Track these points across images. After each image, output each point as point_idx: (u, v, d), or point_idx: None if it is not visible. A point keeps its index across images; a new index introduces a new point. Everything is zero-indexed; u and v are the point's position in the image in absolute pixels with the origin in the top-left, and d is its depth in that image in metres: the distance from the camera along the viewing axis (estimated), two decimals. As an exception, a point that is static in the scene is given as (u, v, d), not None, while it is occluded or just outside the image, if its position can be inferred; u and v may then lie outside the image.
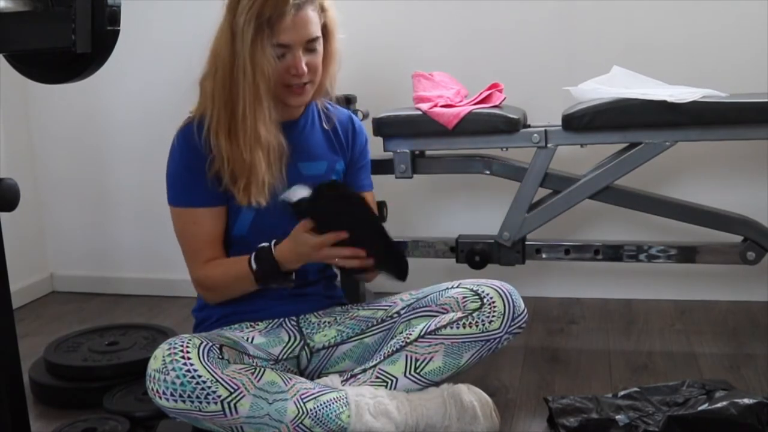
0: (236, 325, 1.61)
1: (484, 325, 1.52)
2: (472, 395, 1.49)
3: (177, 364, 1.37)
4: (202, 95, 1.56)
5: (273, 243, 1.51)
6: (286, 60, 1.51)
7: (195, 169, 1.54)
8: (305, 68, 1.51)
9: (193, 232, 1.58)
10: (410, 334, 1.55)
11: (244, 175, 1.52)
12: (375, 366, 1.53)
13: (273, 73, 1.49)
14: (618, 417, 1.50)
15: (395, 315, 1.64)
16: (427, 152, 2.12)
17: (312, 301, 1.67)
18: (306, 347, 1.62)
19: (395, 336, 1.59)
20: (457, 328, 1.52)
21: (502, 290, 1.56)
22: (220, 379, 1.37)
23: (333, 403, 1.43)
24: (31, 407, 1.75)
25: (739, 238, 1.99)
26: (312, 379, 1.53)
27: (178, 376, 1.36)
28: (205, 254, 1.58)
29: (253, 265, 1.51)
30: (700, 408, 1.48)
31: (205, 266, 1.58)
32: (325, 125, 1.66)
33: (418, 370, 1.51)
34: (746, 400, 1.46)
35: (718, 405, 1.47)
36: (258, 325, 1.62)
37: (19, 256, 2.49)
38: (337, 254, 1.46)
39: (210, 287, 1.59)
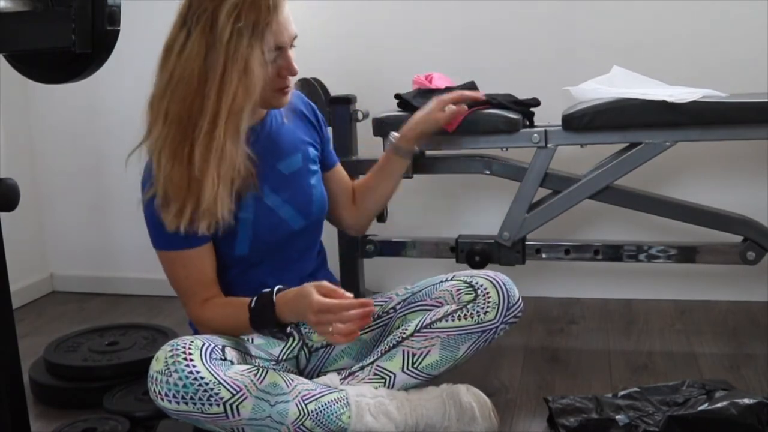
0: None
1: (479, 316, 1.52)
2: (470, 396, 1.49)
3: (179, 365, 1.37)
4: (152, 115, 1.48)
5: (276, 290, 1.43)
6: (278, 62, 1.47)
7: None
8: (296, 66, 1.49)
9: (182, 274, 1.53)
10: (406, 329, 1.55)
11: (182, 198, 1.43)
12: (372, 363, 1.53)
13: (267, 80, 1.45)
14: (618, 417, 1.50)
15: (391, 311, 1.64)
16: (427, 152, 2.12)
17: None
18: (305, 347, 1.62)
19: (392, 332, 1.59)
20: (453, 320, 1.52)
21: (496, 280, 1.56)
22: (222, 381, 1.37)
23: (334, 404, 1.43)
24: (31, 407, 1.75)
25: (739, 238, 1.99)
26: (311, 378, 1.53)
27: (180, 378, 1.36)
28: (199, 295, 1.53)
29: (252, 303, 1.45)
30: (700, 408, 1.48)
31: (203, 308, 1.53)
32: (286, 117, 1.62)
33: (415, 365, 1.51)
34: (746, 400, 1.46)
35: (718, 405, 1.47)
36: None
37: (19, 256, 2.49)
38: (336, 320, 1.35)
39: (207, 328, 1.54)
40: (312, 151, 1.66)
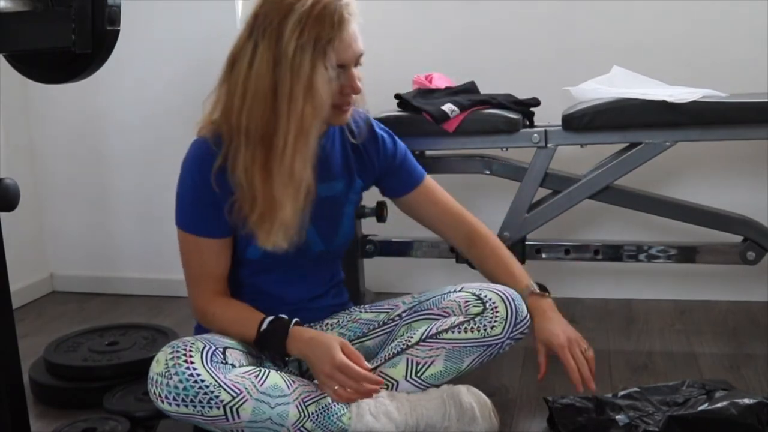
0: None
1: (485, 330, 1.51)
2: (471, 397, 1.49)
3: (180, 368, 1.37)
4: (230, 126, 1.45)
5: (294, 321, 1.45)
6: (340, 80, 1.45)
7: (207, 199, 1.48)
8: (360, 84, 1.48)
9: (198, 260, 1.53)
10: (411, 338, 1.54)
11: (271, 216, 1.44)
12: (376, 368, 1.52)
13: (331, 97, 1.43)
14: (618, 417, 1.50)
15: (396, 318, 1.63)
16: (427, 152, 2.12)
17: (321, 311, 1.66)
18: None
19: (396, 338, 1.58)
20: (459, 332, 1.51)
21: (505, 295, 1.54)
22: (222, 384, 1.37)
23: (334, 406, 1.42)
24: (31, 407, 1.74)
25: (739, 238, 1.99)
26: (313, 380, 1.53)
27: (180, 381, 1.36)
28: (209, 286, 1.53)
29: (263, 326, 1.45)
30: (700, 408, 1.48)
31: (212, 302, 1.53)
32: (351, 139, 1.60)
33: (418, 374, 1.51)
34: (746, 400, 1.46)
35: (718, 405, 1.47)
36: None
37: (19, 256, 2.49)
38: (348, 385, 1.39)
39: (210, 323, 1.54)
40: (359, 182, 1.63)
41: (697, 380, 1.63)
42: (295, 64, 1.38)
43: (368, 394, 1.42)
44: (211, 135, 1.49)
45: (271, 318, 1.47)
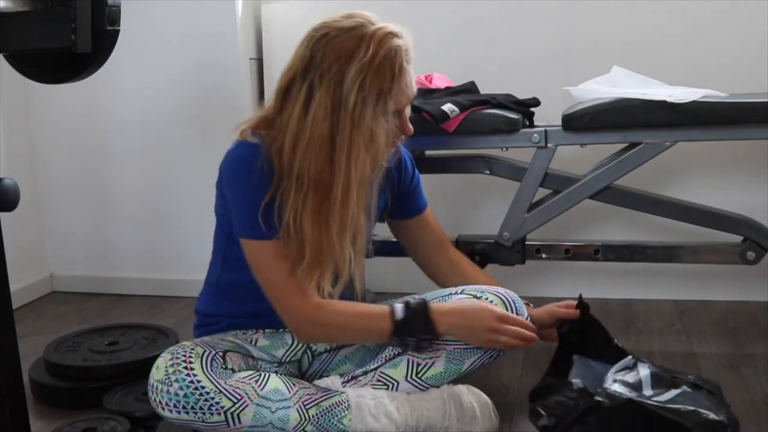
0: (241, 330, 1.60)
1: None
2: (471, 396, 1.49)
3: (180, 375, 1.37)
4: (282, 163, 1.41)
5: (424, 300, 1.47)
6: (394, 123, 1.45)
7: (265, 198, 1.42)
8: (411, 127, 1.49)
9: (282, 265, 1.43)
10: None
11: (320, 263, 1.41)
12: (376, 369, 1.52)
13: (387, 144, 1.43)
14: (575, 381, 1.46)
15: None
16: (427, 152, 2.12)
17: None
18: (308, 350, 1.61)
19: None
20: None
21: (506, 298, 1.55)
22: (223, 390, 1.37)
23: (335, 408, 1.43)
24: (31, 407, 1.75)
25: (739, 238, 1.99)
26: (312, 381, 1.53)
27: (181, 388, 1.36)
28: (300, 285, 1.43)
29: (399, 313, 1.43)
30: (660, 401, 1.43)
31: (320, 306, 1.44)
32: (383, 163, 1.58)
33: (419, 375, 1.51)
34: (710, 415, 1.39)
35: (679, 408, 1.40)
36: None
37: (19, 256, 2.49)
38: (514, 334, 1.46)
39: (326, 323, 1.46)
40: (383, 201, 1.63)
41: (698, 376, 1.61)
42: (356, 116, 1.37)
43: (532, 340, 1.47)
44: (259, 140, 1.45)
45: (400, 305, 1.46)
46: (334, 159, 1.39)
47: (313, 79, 1.39)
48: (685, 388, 1.49)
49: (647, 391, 1.49)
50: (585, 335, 1.64)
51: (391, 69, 1.39)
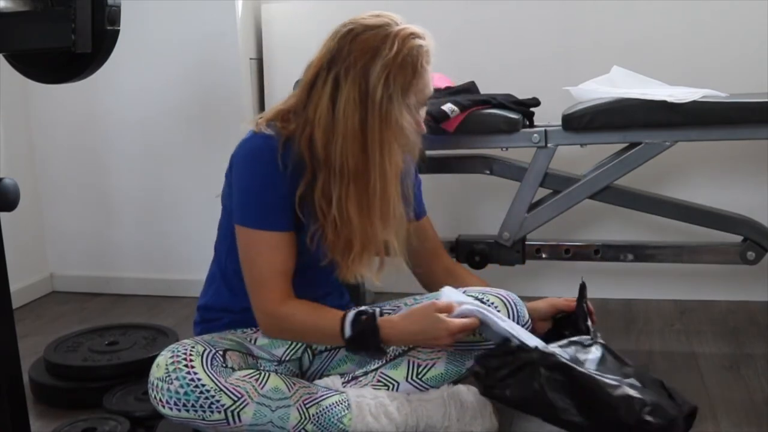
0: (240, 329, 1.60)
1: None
2: (471, 396, 1.49)
3: (180, 373, 1.37)
4: (315, 155, 1.44)
5: (378, 312, 1.45)
6: (414, 119, 1.47)
7: (274, 190, 1.44)
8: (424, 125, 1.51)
9: (266, 258, 1.46)
10: None
11: (369, 251, 1.47)
12: (377, 369, 1.53)
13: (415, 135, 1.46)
14: (515, 342, 1.40)
15: None
16: (427, 152, 2.12)
17: None
18: (309, 349, 1.61)
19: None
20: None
21: (507, 300, 1.55)
22: (223, 388, 1.37)
23: (335, 407, 1.43)
24: (31, 407, 1.75)
25: (739, 238, 1.99)
26: (312, 381, 1.53)
27: (181, 386, 1.36)
28: (278, 285, 1.47)
29: (347, 331, 1.43)
30: (589, 369, 1.39)
31: (286, 303, 1.47)
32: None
33: (419, 376, 1.51)
34: (636, 393, 1.32)
35: (608, 380, 1.34)
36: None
37: (19, 256, 2.49)
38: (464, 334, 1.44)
39: (282, 327, 1.50)
40: None
41: (650, 375, 1.51)
42: (383, 112, 1.41)
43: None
44: (274, 132, 1.46)
45: (351, 318, 1.44)
46: (368, 152, 1.42)
47: (338, 72, 1.42)
48: (632, 379, 1.41)
49: (590, 366, 1.43)
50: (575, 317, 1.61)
51: (414, 67, 1.43)
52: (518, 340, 1.41)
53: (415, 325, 1.42)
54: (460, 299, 1.47)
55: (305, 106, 1.46)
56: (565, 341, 1.50)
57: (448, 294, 1.48)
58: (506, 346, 1.42)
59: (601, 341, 1.52)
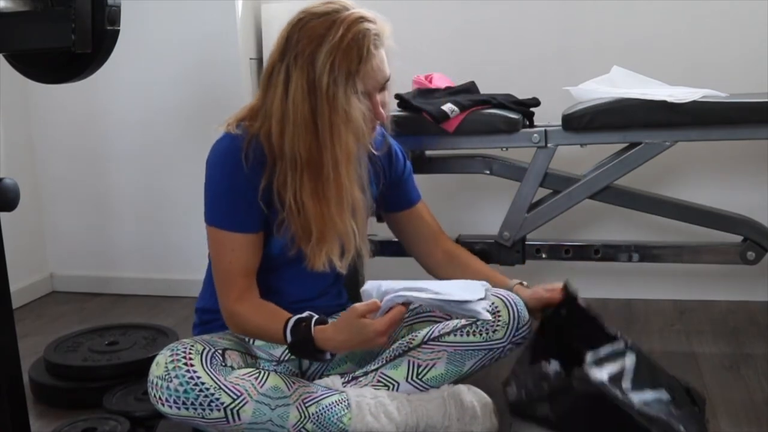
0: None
1: (488, 333, 1.52)
2: (472, 396, 1.49)
3: (180, 371, 1.37)
4: (271, 146, 1.45)
5: (314, 322, 1.41)
6: (368, 105, 1.46)
7: (240, 192, 1.46)
8: (383, 111, 1.48)
9: (229, 258, 1.48)
10: (413, 340, 1.54)
11: (328, 239, 1.46)
12: (377, 369, 1.53)
13: (365, 123, 1.44)
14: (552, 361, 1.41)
15: None
16: (427, 152, 2.12)
17: (321, 311, 1.65)
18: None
19: (397, 340, 1.58)
20: (461, 335, 1.52)
21: (508, 300, 1.55)
22: (223, 386, 1.37)
23: (335, 407, 1.43)
24: (31, 407, 1.75)
25: (739, 238, 1.99)
26: (312, 380, 1.53)
27: (181, 384, 1.36)
28: (238, 284, 1.48)
29: (288, 337, 1.41)
30: (633, 400, 1.37)
31: (240, 303, 1.48)
32: (373, 150, 1.59)
33: (420, 376, 1.51)
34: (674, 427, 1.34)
35: (648, 412, 1.34)
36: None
37: (19, 256, 2.49)
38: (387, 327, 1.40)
39: (239, 327, 1.51)
40: (374, 189, 1.62)
41: (686, 383, 1.54)
42: (330, 97, 1.40)
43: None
44: (242, 132, 1.47)
45: (291, 325, 1.42)
46: (320, 139, 1.42)
47: (289, 62, 1.42)
48: (664, 392, 1.43)
49: (626, 384, 1.43)
50: (568, 321, 1.58)
51: (359, 51, 1.40)
52: (450, 304, 1.41)
53: (343, 334, 1.39)
54: (383, 289, 1.43)
55: (264, 100, 1.46)
56: (601, 353, 1.48)
57: (369, 291, 1.44)
58: (539, 368, 1.42)
59: (632, 347, 1.51)
